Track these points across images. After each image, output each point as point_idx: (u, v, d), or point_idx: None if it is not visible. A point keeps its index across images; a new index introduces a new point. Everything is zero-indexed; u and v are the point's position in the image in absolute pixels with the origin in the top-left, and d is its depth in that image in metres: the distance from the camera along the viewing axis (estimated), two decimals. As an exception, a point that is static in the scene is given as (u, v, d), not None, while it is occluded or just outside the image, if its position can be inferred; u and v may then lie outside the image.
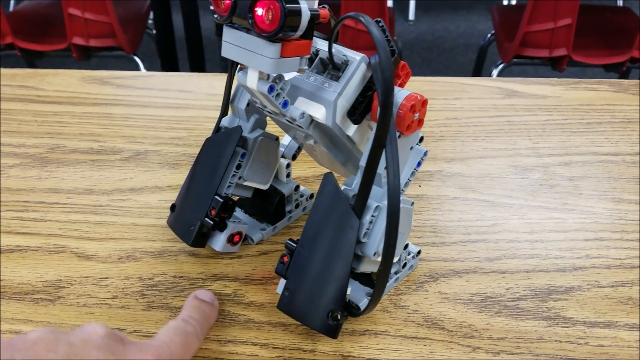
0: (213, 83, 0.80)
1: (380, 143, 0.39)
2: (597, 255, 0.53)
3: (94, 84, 0.79)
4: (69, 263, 0.53)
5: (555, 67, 1.73)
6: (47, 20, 1.81)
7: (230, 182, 0.49)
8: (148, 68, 1.84)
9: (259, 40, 0.37)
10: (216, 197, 0.48)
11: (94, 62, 2.45)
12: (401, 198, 0.42)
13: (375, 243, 0.42)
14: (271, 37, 0.36)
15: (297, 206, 0.57)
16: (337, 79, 0.42)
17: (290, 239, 0.44)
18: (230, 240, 0.51)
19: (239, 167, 0.49)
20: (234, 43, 0.38)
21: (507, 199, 0.60)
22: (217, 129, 0.50)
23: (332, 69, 0.43)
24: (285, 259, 0.44)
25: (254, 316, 0.48)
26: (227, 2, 0.37)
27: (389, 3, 2.64)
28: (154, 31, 1.91)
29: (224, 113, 0.50)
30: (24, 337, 0.34)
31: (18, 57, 1.76)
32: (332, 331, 0.42)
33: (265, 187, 0.53)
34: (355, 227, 0.41)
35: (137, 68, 1.80)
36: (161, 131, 0.70)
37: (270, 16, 0.35)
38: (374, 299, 0.42)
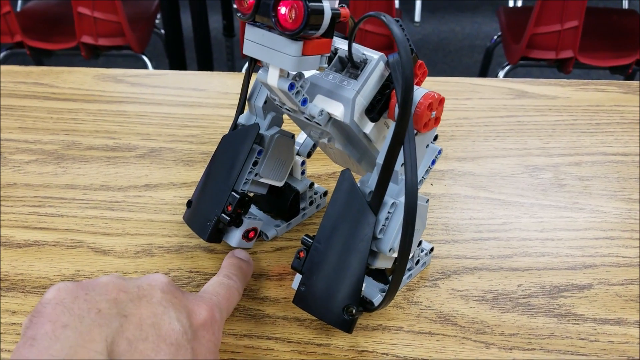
0: (225, 81, 0.81)
1: (398, 140, 0.39)
2: (607, 254, 0.54)
3: (108, 82, 0.80)
4: (86, 258, 0.53)
5: (562, 69, 1.74)
6: (56, 18, 1.83)
7: (246, 179, 0.50)
8: (156, 67, 1.85)
9: (281, 39, 0.38)
10: (233, 193, 0.49)
11: (102, 61, 2.47)
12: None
13: (391, 239, 0.42)
14: (294, 36, 0.36)
15: (311, 203, 0.58)
16: (355, 77, 0.43)
17: (307, 235, 0.45)
18: (246, 236, 0.51)
19: (255, 164, 0.50)
20: (256, 41, 0.39)
21: (518, 198, 0.60)
22: (235, 126, 0.51)
23: (351, 67, 0.43)
24: (302, 254, 0.44)
25: (269, 311, 0.48)
26: (251, 0, 0.37)
27: (396, 4, 2.66)
28: (162, 30, 1.92)
29: (241, 110, 0.51)
30: (96, 280, 0.36)
31: (26, 56, 1.77)
32: (347, 326, 0.43)
33: (280, 184, 0.54)
34: (371, 224, 0.42)
35: (145, 67, 1.82)
36: (175, 129, 0.71)
37: (293, 15, 0.36)
38: (390, 295, 0.43)
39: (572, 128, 0.71)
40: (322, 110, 0.42)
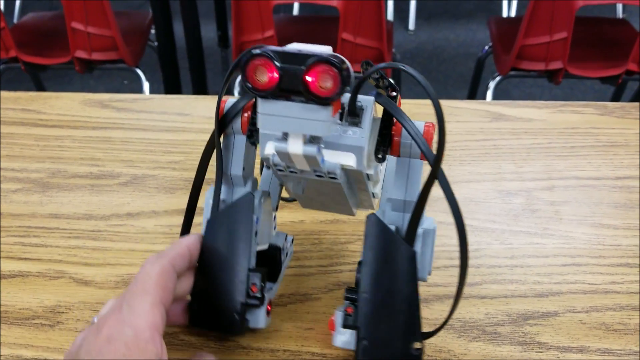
0: (210, 106, 0.82)
1: (434, 175, 0.41)
2: (574, 281, 0.56)
3: (95, 107, 0.82)
4: (68, 288, 0.55)
5: (552, 79, 1.75)
6: (50, 33, 1.84)
7: (253, 252, 0.47)
8: (150, 79, 1.87)
9: (306, 106, 0.36)
10: (251, 273, 0.46)
11: (97, 74, 2.49)
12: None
13: (427, 265, 0.45)
14: (328, 102, 0.35)
15: (286, 255, 0.57)
16: (355, 124, 0.42)
17: (349, 288, 0.46)
18: (267, 312, 0.49)
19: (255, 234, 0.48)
20: (276, 114, 0.37)
21: (489, 224, 0.62)
22: (217, 205, 0.48)
23: (349, 115, 0.43)
24: (350, 309, 0.45)
25: None
26: (271, 76, 0.35)
27: (390, 14, 2.67)
28: (156, 43, 1.93)
29: (219, 187, 0.48)
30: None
31: (21, 70, 1.79)
32: None
33: (266, 245, 0.52)
34: (413, 257, 0.44)
35: (139, 80, 1.83)
36: (159, 155, 0.73)
37: (329, 83, 0.35)
38: (450, 314, 0.44)
39: (547, 152, 0.72)
40: (338, 164, 0.41)
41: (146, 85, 1.84)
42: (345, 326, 0.45)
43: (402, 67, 0.38)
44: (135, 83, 2.20)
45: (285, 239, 0.55)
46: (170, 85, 1.96)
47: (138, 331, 0.38)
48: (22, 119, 0.79)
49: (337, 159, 0.41)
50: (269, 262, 0.53)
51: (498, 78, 1.78)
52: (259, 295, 0.46)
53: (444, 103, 0.79)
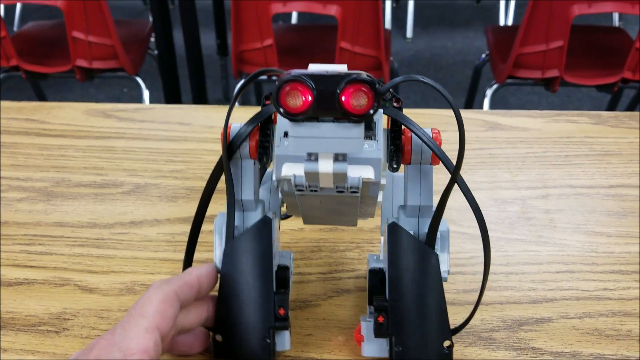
0: (211, 115, 0.84)
1: (454, 179, 0.43)
2: (568, 287, 0.57)
3: (98, 117, 0.83)
4: (73, 296, 0.56)
5: (548, 87, 1.77)
6: (51, 42, 1.86)
7: (274, 275, 0.47)
8: (150, 87, 1.88)
9: (338, 125, 0.37)
10: (276, 296, 0.47)
11: (97, 82, 2.50)
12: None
13: (446, 265, 0.47)
14: (364, 119, 0.36)
15: (291, 272, 0.55)
16: (369, 137, 0.42)
17: (378, 298, 0.46)
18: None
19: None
20: (307, 136, 0.37)
21: (485, 232, 0.63)
22: (232, 233, 0.48)
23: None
24: (381, 318, 0.45)
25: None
26: (304, 99, 0.36)
27: (387, 22, 2.69)
28: (156, 51, 1.95)
29: (232, 214, 0.47)
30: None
31: (21, 78, 1.80)
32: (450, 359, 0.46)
33: (276, 266, 0.50)
34: (436, 259, 0.45)
35: (138, 88, 1.85)
36: (161, 164, 0.74)
37: (363, 101, 0.35)
38: (475, 308, 0.47)
39: (542, 160, 0.74)
40: (359, 178, 0.42)
41: (146, 94, 1.86)
42: (379, 336, 0.46)
43: (421, 79, 0.39)
44: (135, 91, 2.22)
45: (290, 257, 0.55)
46: (170, 93, 1.98)
47: (127, 354, 0.38)
48: (26, 129, 0.80)
49: (357, 172, 0.41)
50: (279, 282, 0.51)
51: (495, 86, 1.80)
52: (286, 317, 0.46)
53: (441, 112, 0.81)
